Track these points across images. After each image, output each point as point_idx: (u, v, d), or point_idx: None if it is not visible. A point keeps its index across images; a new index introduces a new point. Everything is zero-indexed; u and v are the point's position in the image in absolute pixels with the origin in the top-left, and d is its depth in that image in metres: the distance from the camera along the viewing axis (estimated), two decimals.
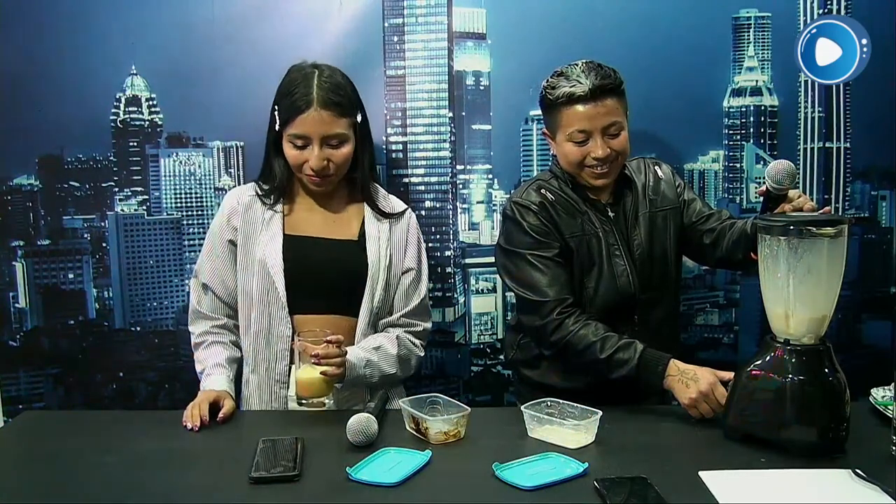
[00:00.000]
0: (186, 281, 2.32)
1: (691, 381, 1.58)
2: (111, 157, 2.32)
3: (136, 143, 2.32)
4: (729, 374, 1.56)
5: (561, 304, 1.73)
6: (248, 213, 1.81)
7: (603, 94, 1.70)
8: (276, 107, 1.76)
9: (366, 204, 1.84)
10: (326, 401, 1.65)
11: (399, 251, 1.84)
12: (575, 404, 1.54)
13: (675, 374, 1.61)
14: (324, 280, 1.76)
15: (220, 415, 1.64)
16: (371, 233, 1.82)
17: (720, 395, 1.55)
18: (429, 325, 1.89)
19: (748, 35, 2.29)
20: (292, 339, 1.77)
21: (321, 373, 1.60)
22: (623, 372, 1.65)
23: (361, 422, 1.48)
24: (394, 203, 1.88)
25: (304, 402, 1.64)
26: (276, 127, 1.75)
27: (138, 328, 2.35)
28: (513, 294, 1.86)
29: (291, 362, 1.78)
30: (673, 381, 1.61)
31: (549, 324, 1.73)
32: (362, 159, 1.81)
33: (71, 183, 2.32)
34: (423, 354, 1.87)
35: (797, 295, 1.44)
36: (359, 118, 1.78)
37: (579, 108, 1.71)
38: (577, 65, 1.73)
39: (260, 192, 1.82)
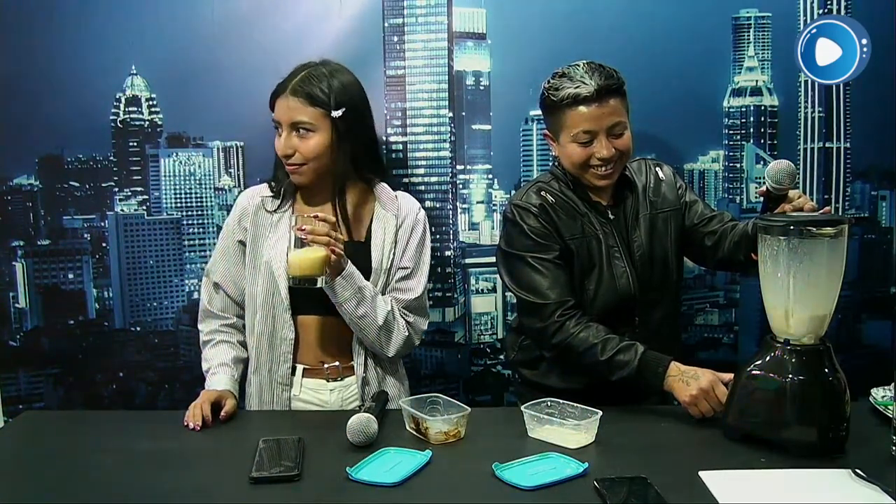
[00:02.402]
0: (186, 281, 2.32)
1: (692, 379, 1.58)
2: (111, 157, 2.32)
3: (136, 143, 2.32)
4: (729, 376, 1.56)
5: (562, 306, 1.73)
6: (258, 214, 1.81)
7: (607, 94, 1.70)
8: None
9: (376, 204, 1.83)
10: (319, 279, 1.62)
11: (398, 251, 1.82)
12: (575, 404, 1.54)
13: (675, 375, 1.60)
14: None
15: (223, 413, 1.65)
16: (377, 234, 1.80)
17: (721, 393, 1.55)
18: (423, 324, 1.85)
19: (748, 35, 2.29)
20: (295, 343, 1.78)
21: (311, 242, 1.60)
22: (624, 373, 1.64)
23: (361, 422, 1.48)
24: (402, 203, 1.85)
25: (297, 281, 1.62)
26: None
27: (138, 328, 2.35)
28: (513, 295, 1.86)
29: (295, 363, 1.78)
30: (673, 381, 1.60)
31: (549, 326, 1.73)
32: (338, 154, 1.75)
33: (71, 183, 2.32)
34: (406, 335, 1.79)
35: (797, 295, 1.44)
36: (337, 112, 1.72)
37: (584, 108, 1.70)
38: (578, 65, 1.73)
39: (271, 195, 1.82)
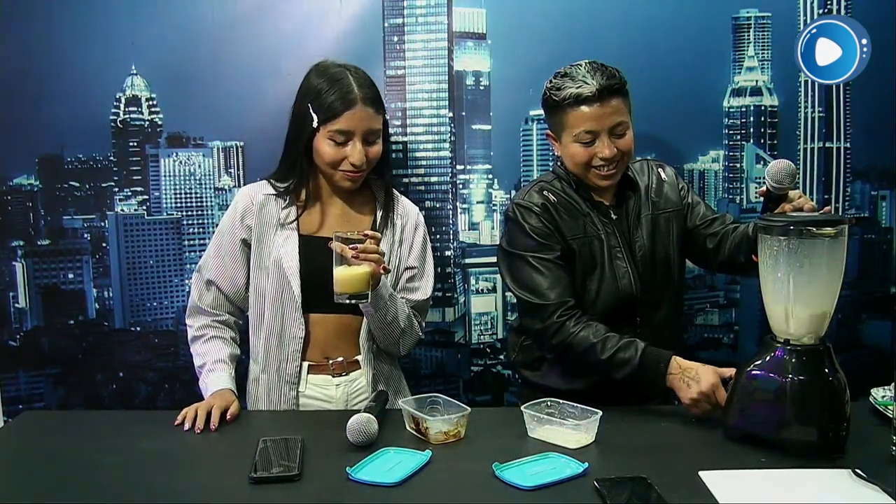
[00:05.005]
0: (186, 281, 2.32)
1: (693, 380, 1.58)
2: (111, 157, 2.32)
3: (136, 143, 2.31)
4: (730, 371, 1.56)
5: (562, 306, 1.72)
6: (262, 211, 1.80)
7: (609, 94, 1.70)
8: (308, 105, 1.74)
9: (377, 204, 1.84)
10: (369, 294, 1.63)
11: (405, 252, 1.84)
12: (575, 404, 1.54)
13: (676, 373, 1.60)
14: None
15: (229, 415, 1.64)
16: (382, 234, 1.81)
17: (721, 396, 1.55)
18: (423, 323, 1.88)
19: (748, 35, 2.29)
20: (304, 341, 1.78)
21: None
22: (626, 371, 1.64)
23: (361, 422, 1.48)
24: (405, 204, 1.88)
25: (347, 298, 1.61)
26: (314, 124, 1.73)
27: (138, 328, 2.35)
28: (513, 295, 1.86)
29: (303, 360, 1.78)
30: (674, 378, 1.60)
31: (550, 327, 1.72)
32: (389, 159, 1.83)
33: (71, 183, 2.32)
34: (418, 335, 1.85)
35: (797, 295, 1.44)
36: (386, 117, 1.80)
37: (586, 108, 1.70)
38: (581, 65, 1.73)
39: (275, 192, 1.81)
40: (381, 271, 1.63)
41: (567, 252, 1.78)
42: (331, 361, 1.79)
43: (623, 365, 1.64)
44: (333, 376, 1.80)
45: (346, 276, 1.59)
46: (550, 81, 1.76)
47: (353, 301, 1.62)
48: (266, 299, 1.79)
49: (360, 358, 1.81)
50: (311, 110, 1.73)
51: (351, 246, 1.58)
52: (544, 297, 1.74)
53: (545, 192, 1.81)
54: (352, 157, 1.72)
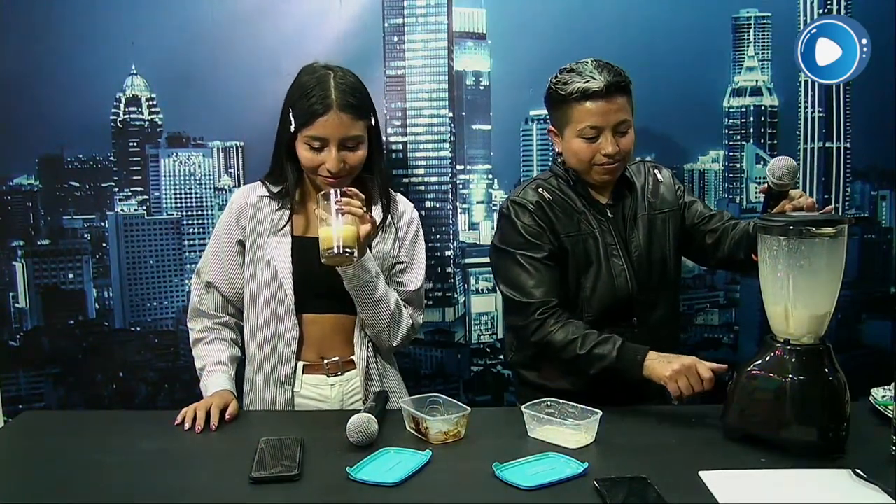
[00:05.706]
0: (186, 281, 2.32)
1: (674, 358, 1.58)
2: (111, 157, 2.32)
3: (136, 143, 2.32)
4: (722, 367, 1.56)
5: (544, 305, 1.73)
6: (256, 213, 1.80)
7: (616, 91, 1.70)
8: (290, 109, 1.73)
9: (375, 206, 1.83)
10: (355, 252, 1.59)
11: (397, 247, 1.84)
12: (575, 404, 1.54)
13: (654, 358, 1.60)
14: (332, 282, 1.73)
15: (227, 415, 1.64)
16: (379, 234, 1.81)
17: (703, 371, 1.54)
18: (419, 318, 1.87)
19: (748, 35, 2.29)
20: (299, 342, 1.78)
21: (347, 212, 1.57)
22: (604, 364, 1.64)
23: (361, 422, 1.48)
24: (399, 201, 1.88)
25: (334, 252, 1.57)
26: (292, 129, 1.72)
27: (138, 328, 2.35)
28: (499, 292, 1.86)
29: (298, 360, 1.78)
30: (653, 363, 1.60)
31: (530, 324, 1.73)
32: (378, 162, 1.81)
33: (71, 183, 2.32)
34: (410, 324, 1.82)
35: (797, 295, 1.44)
36: (373, 121, 1.77)
37: (592, 104, 1.70)
38: (587, 62, 1.73)
39: (269, 194, 1.81)
40: (367, 225, 1.61)
41: (558, 251, 1.78)
42: (326, 361, 1.79)
43: (601, 359, 1.65)
44: (328, 376, 1.79)
45: (330, 230, 1.57)
46: (556, 76, 1.75)
47: (341, 254, 1.56)
48: (260, 301, 1.79)
49: (355, 357, 1.81)
50: (290, 114, 1.72)
51: (337, 201, 1.57)
52: (528, 295, 1.74)
53: (541, 190, 1.81)
54: (328, 164, 1.70)
